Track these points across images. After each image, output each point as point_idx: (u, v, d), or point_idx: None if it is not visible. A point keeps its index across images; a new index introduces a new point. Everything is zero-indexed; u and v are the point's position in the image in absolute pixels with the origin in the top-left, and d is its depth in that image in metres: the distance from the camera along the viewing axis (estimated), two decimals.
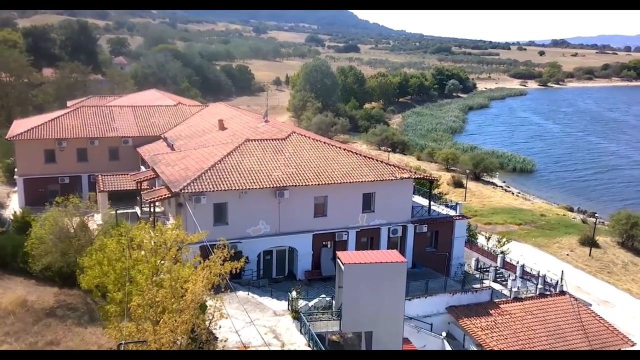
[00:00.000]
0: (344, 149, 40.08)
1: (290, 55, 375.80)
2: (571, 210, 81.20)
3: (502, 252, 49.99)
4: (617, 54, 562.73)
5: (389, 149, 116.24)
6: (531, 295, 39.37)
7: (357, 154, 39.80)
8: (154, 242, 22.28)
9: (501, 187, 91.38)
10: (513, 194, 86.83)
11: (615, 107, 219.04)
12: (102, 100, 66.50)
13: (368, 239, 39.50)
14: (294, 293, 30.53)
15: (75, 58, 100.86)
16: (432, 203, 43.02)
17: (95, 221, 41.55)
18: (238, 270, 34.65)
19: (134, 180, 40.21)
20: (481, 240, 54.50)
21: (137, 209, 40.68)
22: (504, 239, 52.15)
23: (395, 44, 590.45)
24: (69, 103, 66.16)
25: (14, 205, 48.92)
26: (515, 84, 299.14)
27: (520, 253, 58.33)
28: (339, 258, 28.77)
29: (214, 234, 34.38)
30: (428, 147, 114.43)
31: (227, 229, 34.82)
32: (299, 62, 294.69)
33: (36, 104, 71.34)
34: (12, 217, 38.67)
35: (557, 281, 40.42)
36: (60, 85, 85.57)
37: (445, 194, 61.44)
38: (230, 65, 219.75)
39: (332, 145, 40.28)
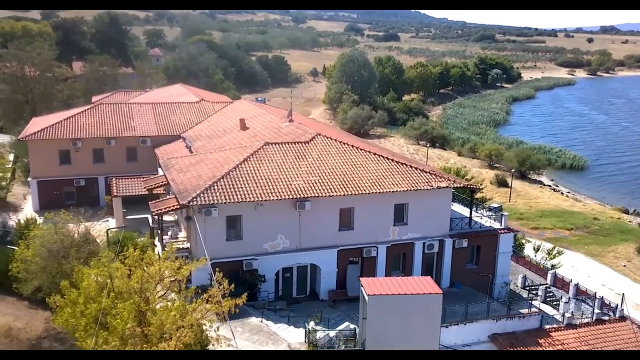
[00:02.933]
0: (374, 154, 35.92)
1: (329, 45, 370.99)
2: (626, 212, 74.89)
3: (552, 267, 45.15)
4: None
5: (428, 143, 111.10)
6: (587, 320, 34.61)
7: (388, 159, 35.60)
8: (142, 277, 18.77)
9: (549, 186, 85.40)
10: (562, 194, 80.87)
11: None
12: (128, 96, 64.04)
13: (400, 255, 35.40)
14: (311, 323, 26.75)
15: (105, 51, 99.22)
16: (474, 214, 38.65)
17: (107, 228, 38.76)
18: (251, 293, 31.69)
19: (144, 187, 37.04)
20: (529, 250, 49.60)
21: (150, 217, 37.56)
22: (555, 250, 47.05)
23: (436, 32, 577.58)
24: (94, 98, 63.80)
25: (28, 208, 46.65)
26: (562, 73, 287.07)
27: (572, 264, 53.22)
28: (362, 286, 24.84)
29: (227, 250, 31.22)
30: (470, 141, 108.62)
31: (242, 244, 31.39)
32: (337, 51, 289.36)
33: (62, 100, 69.37)
34: (15, 226, 35.97)
35: (617, 304, 35.47)
36: (89, 79, 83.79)
37: (489, 199, 56.60)
38: (267, 56, 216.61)
39: (361, 149, 36.18)
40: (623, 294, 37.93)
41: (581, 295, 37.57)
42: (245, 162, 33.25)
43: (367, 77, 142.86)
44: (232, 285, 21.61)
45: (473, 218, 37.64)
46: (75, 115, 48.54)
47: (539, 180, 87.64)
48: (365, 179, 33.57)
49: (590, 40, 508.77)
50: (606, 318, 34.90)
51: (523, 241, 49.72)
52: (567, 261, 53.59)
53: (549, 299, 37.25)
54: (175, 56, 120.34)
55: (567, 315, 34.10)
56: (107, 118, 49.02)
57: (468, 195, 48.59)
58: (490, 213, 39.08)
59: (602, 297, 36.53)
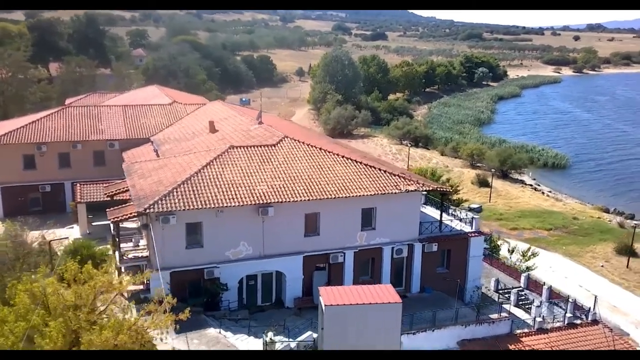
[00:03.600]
0: (343, 156, 35.10)
1: (316, 45, 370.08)
2: (607, 211, 74.64)
3: (527, 268, 44.60)
4: None
5: (411, 143, 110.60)
6: (559, 324, 34.05)
7: (356, 161, 34.79)
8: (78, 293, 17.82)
9: (531, 185, 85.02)
10: (543, 193, 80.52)
11: None
12: (102, 98, 62.91)
13: (369, 260, 34.62)
14: (269, 334, 25.90)
15: (83, 52, 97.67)
16: (446, 217, 37.98)
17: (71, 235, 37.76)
18: (212, 300, 30.78)
19: (105, 194, 36.01)
20: (505, 251, 48.99)
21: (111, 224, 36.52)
22: (530, 252, 46.47)
23: (424, 31, 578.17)
24: (68, 100, 62.61)
25: None
26: (548, 71, 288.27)
27: (550, 265, 52.79)
28: (320, 295, 24.02)
29: (187, 259, 30.31)
30: (453, 141, 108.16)
31: (203, 252, 30.46)
32: (324, 51, 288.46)
33: (34, 102, 68.05)
34: None
35: (590, 308, 34.92)
36: (65, 80, 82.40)
37: (466, 200, 56.06)
38: (252, 56, 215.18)
39: (329, 152, 35.35)
40: (595, 296, 37.42)
41: (554, 298, 36.99)
42: (208, 167, 32.32)
43: (351, 76, 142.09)
44: (173, 299, 20.55)
45: (444, 221, 36.93)
46: (41, 118, 47.37)
47: (521, 180, 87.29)
48: (332, 183, 32.75)
49: (576, 38, 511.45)
50: (578, 322, 34.38)
51: (499, 242, 49.02)
52: (544, 262, 53.13)
53: (521, 303, 36.64)
54: (155, 56, 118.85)
55: (538, 319, 33.55)
56: (75, 121, 47.88)
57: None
58: (463, 216, 38.37)
59: (575, 300, 35.95)
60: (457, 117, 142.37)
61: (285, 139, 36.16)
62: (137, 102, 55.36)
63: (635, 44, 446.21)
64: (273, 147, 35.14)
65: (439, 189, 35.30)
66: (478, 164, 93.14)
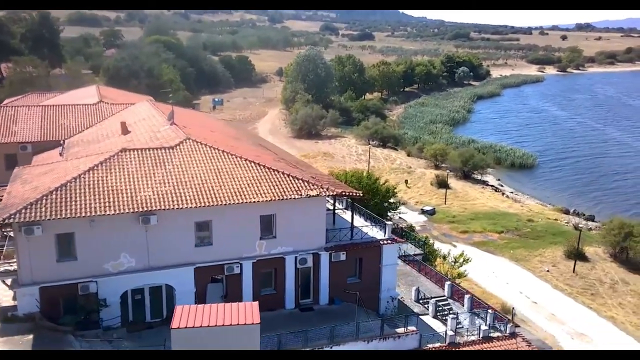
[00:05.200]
0: (247, 160, 32.73)
1: (302, 45, 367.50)
2: (567, 212, 72.75)
3: (458, 275, 42.41)
4: None
5: (374, 143, 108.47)
6: (474, 338, 31.86)
7: (261, 165, 32.44)
8: None
9: (493, 186, 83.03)
10: (504, 194, 78.51)
11: (637, 94, 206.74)
12: (41, 98, 60.17)
13: (272, 271, 32.27)
14: None
15: (37, 52, 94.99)
16: (363, 223, 35.81)
17: None
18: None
19: None
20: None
21: None
22: (462, 258, 44.25)
23: (412, 32, 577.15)
24: (6, 101, 59.96)
25: None
26: (533, 70, 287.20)
27: (493, 269, 50.80)
28: (174, 315, 21.71)
29: (58, 273, 27.84)
30: (420, 141, 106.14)
31: (77, 265, 27.97)
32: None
33: None
34: None
35: (507, 320, 32.75)
36: (14, 81, 79.71)
37: (403, 204, 53.85)
38: (230, 56, 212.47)
39: (232, 155, 32.96)
40: (513, 308, 35.30)
41: (476, 308, 34.83)
42: (91, 172, 29.83)
43: (324, 76, 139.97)
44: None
45: (361, 229, 34.66)
46: None
47: (483, 181, 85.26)
48: (227, 188, 30.37)
49: (564, 38, 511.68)
50: (495, 335, 32.19)
51: (435, 247, 46.80)
52: (488, 267, 51.16)
53: (439, 314, 34.41)
54: (116, 56, 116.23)
55: (450, 333, 31.34)
56: None
57: (376, 202, 45.91)
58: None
59: (495, 311, 33.75)
60: (430, 117, 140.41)
61: (187, 141, 33.75)
62: (73, 102, 52.82)
63: (622, 43, 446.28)
64: (171, 150, 32.71)
65: (346, 194, 32.91)
66: (442, 165, 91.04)
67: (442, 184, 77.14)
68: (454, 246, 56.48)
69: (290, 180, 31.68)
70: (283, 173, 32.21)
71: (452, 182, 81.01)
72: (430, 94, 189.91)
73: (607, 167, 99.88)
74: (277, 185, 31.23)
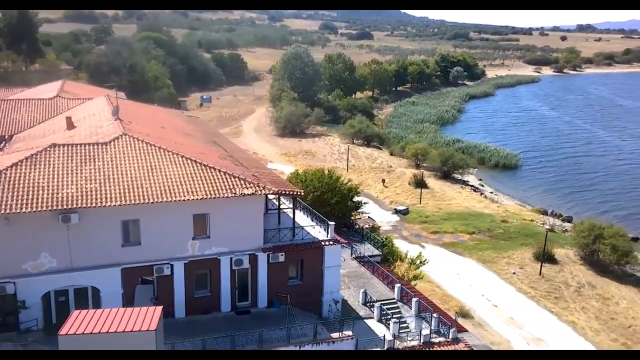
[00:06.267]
0: (183, 156, 31.49)
1: (300, 43, 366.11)
2: (545, 213, 71.47)
3: (414, 277, 41.15)
4: None
5: (364, 142, 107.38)
6: (415, 343, 30.64)
7: (197, 162, 31.19)
8: None
9: (473, 186, 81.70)
10: (482, 194, 77.18)
11: (629, 95, 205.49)
12: (7, 92, 59.07)
13: (207, 272, 31.03)
14: None
15: (14, 47, 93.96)
16: (309, 223, 34.62)
17: None
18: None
19: None
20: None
21: None
22: (419, 260, 42.93)
23: (411, 31, 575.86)
24: None
25: None
26: (529, 71, 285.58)
27: (458, 271, 49.51)
28: (67, 319, 20.51)
29: None
30: (403, 140, 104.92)
31: None
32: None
33: None
34: None
35: (450, 325, 31.50)
36: None
37: (365, 203, 52.38)
38: (222, 54, 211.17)
39: (170, 152, 31.73)
40: (456, 313, 34.00)
41: (423, 312, 33.59)
42: (15, 168, 28.63)
43: (311, 74, 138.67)
44: None
45: (302, 229, 33.42)
46: None
47: (464, 180, 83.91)
48: (157, 186, 29.14)
49: (563, 39, 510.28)
50: (438, 340, 30.97)
51: (402, 249, 45.52)
52: (454, 268, 49.95)
53: (383, 318, 33.12)
54: (98, 53, 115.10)
55: (389, 338, 30.13)
56: None
57: (336, 201, 44.70)
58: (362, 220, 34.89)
59: (439, 315, 32.48)
60: (419, 117, 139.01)
61: (123, 136, 32.54)
62: (34, 97, 51.71)
63: (622, 44, 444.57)
64: (103, 146, 31.48)
65: (285, 192, 31.63)
66: (423, 164, 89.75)
67: (420, 183, 75.83)
68: (423, 247, 55.28)
69: (226, 178, 30.43)
70: (219, 170, 30.96)
71: (431, 181, 79.75)
72: (423, 93, 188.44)
73: (590, 167, 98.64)
74: (211, 183, 30.00)
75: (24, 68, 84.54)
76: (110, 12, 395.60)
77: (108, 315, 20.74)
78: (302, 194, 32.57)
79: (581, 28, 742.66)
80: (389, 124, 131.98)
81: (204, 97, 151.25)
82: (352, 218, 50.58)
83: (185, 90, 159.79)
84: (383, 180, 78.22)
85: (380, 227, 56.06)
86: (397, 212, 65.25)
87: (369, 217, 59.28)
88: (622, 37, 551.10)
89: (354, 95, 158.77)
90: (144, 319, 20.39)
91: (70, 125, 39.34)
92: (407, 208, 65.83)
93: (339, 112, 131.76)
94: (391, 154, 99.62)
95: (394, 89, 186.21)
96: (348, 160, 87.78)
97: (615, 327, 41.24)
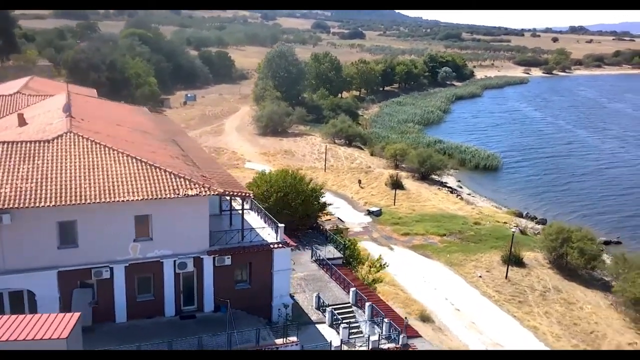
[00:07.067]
0: (128, 155, 30.58)
1: (291, 42, 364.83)
2: (520, 215, 70.95)
3: (374, 281, 40.44)
4: (634, 40, 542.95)
5: (345, 141, 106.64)
6: (364, 348, 29.91)
7: (142, 161, 30.29)
8: None
9: (450, 188, 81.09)
10: (458, 196, 76.58)
11: (614, 97, 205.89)
12: None
13: (151, 276, 30.13)
14: None
15: None
16: (262, 225, 33.83)
17: None
18: None
19: None
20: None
21: None
22: (379, 263, 42.18)
23: (403, 31, 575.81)
24: None
25: None
26: (518, 72, 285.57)
27: (424, 274, 48.80)
28: None
29: None
30: (384, 140, 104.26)
31: None
32: (298, 49, 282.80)
33: None
34: None
35: (400, 330, 30.79)
36: None
37: (330, 204, 51.52)
38: (210, 52, 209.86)
39: (115, 150, 30.81)
40: (406, 318, 33.28)
41: (375, 316, 32.87)
42: None
43: (295, 73, 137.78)
44: None
45: (251, 231, 32.59)
46: None
47: (442, 182, 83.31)
48: (96, 186, 28.22)
49: (555, 40, 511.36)
50: (387, 347, 30.25)
51: (359, 250, 44.71)
52: (420, 271, 49.26)
53: (335, 322, 32.36)
54: (77, 49, 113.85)
55: (336, 343, 29.40)
56: None
57: (299, 202, 43.96)
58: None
59: (390, 320, 31.75)
60: (403, 117, 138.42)
61: (68, 134, 31.60)
62: (2, 93, 50.60)
63: (613, 46, 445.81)
64: (46, 143, 30.55)
65: (232, 193, 30.77)
66: (402, 165, 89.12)
67: (396, 184, 75.13)
68: (391, 249, 54.60)
69: (170, 178, 29.55)
70: (164, 170, 30.08)
71: (408, 182, 79.11)
72: (410, 93, 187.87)
73: (570, 169, 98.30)
74: (154, 183, 29.10)
75: (9, 63, 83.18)
76: (102, 10, 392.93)
77: (22, 321, 19.87)
78: (251, 195, 31.74)
79: (573, 30, 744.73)
80: (372, 123, 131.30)
81: (189, 95, 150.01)
82: (321, 219, 49.93)
83: (170, 88, 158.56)
84: (359, 181, 77.50)
85: (348, 228, 55.39)
86: (370, 213, 64.53)
87: (338, 218, 58.56)
88: (613, 39, 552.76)
89: (340, 95, 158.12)
90: (57, 326, 19.53)
91: (22, 122, 38.32)
92: (380, 209, 65.14)
93: (322, 112, 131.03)
94: (372, 154, 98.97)
95: (381, 88, 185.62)
96: (326, 160, 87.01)
97: (577, 333, 40.66)
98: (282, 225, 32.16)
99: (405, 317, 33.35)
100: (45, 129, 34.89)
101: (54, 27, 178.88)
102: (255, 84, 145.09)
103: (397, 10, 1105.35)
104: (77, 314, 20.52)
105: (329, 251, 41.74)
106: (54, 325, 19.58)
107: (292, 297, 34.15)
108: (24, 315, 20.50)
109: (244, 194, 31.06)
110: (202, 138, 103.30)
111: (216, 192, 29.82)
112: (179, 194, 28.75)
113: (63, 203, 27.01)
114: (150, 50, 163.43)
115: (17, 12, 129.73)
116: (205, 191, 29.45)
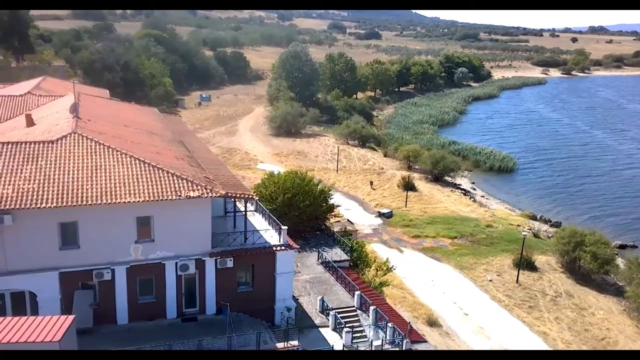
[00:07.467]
0: (131, 156, 30.49)
1: (307, 43, 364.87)
2: (535, 218, 69.88)
3: (380, 284, 39.93)
4: None
5: (359, 142, 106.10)
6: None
7: (145, 162, 30.15)
8: None
9: (463, 190, 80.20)
10: (471, 198, 75.66)
11: (634, 98, 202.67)
12: None
13: (152, 278, 29.98)
14: None
15: (6, 44, 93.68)
16: (265, 227, 33.53)
17: None
18: None
19: None
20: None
21: None
22: (385, 266, 41.64)
23: (420, 31, 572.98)
24: None
25: None
26: (536, 73, 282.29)
27: (433, 277, 48.17)
28: None
29: None
30: (398, 141, 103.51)
31: None
32: (314, 49, 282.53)
33: None
34: None
35: (403, 336, 30.28)
36: None
37: (338, 206, 50.91)
38: (225, 52, 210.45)
39: (118, 151, 30.73)
40: (409, 323, 32.73)
41: (380, 320, 32.38)
42: None
43: (309, 73, 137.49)
44: None
45: (254, 233, 32.33)
46: None
47: (455, 184, 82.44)
48: (98, 187, 28.15)
49: (574, 40, 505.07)
50: (390, 350, 29.76)
51: (366, 252, 44.15)
52: (429, 275, 48.63)
53: (338, 327, 31.95)
54: (91, 50, 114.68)
55: (337, 348, 28.97)
56: None
57: (307, 204, 43.69)
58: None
59: (394, 325, 31.26)
60: (418, 118, 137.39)
61: (72, 135, 31.60)
62: (10, 93, 51.03)
63: (633, 46, 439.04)
64: (50, 144, 30.57)
65: (235, 195, 30.50)
66: (415, 167, 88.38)
67: (408, 186, 74.44)
68: (401, 252, 54.02)
69: (172, 180, 29.37)
70: (167, 172, 29.91)
71: (421, 184, 78.39)
72: (426, 94, 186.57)
73: (586, 171, 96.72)
74: (156, 184, 28.94)
75: (14, 64, 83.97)
76: (118, 10, 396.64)
77: (15, 324, 19.78)
78: (254, 197, 31.47)
79: (593, 30, 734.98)
80: (387, 124, 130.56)
81: (203, 95, 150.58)
82: (330, 221, 49.47)
83: (185, 88, 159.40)
84: (371, 183, 76.96)
85: (357, 230, 54.87)
86: (380, 215, 63.98)
87: (347, 219, 58.10)
88: (634, 40, 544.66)
89: (355, 96, 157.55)
90: (51, 329, 19.39)
91: (29, 122, 38.52)
92: (392, 211, 64.56)
93: (336, 113, 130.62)
94: (385, 156, 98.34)
95: (396, 89, 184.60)
96: (338, 162, 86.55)
97: (588, 339, 39.80)
98: (285, 227, 31.82)
99: (409, 322, 32.83)
100: (52, 129, 34.94)
101: (70, 28, 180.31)
102: (269, 84, 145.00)
103: (414, 11, 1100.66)
104: (71, 317, 20.39)
105: (336, 253, 41.35)
106: (47, 328, 19.44)
107: (296, 300, 33.86)
108: (18, 318, 20.40)
109: (247, 196, 30.78)
110: (216, 138, 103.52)
111: (218, 194, 29.57)
112: (180, 196, 28.56)
113: (64, 204, 26.95)
114: (166, 51, 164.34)
115: (35, 12, 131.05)
116: (207, 193, 29.23)
